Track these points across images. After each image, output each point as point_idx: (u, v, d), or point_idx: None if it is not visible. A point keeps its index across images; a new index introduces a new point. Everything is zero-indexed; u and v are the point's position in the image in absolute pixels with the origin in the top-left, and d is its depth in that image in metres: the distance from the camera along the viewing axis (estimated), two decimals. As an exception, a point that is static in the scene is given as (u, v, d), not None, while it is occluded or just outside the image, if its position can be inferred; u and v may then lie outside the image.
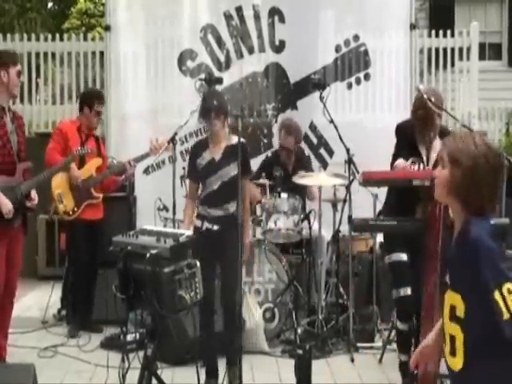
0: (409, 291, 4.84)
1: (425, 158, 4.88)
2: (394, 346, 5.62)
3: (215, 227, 5.04)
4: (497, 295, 2.43)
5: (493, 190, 2.66)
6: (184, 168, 6.63)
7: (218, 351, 5.20)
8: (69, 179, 6.37)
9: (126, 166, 6.45)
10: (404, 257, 4.87)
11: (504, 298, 2.43)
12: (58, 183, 6.37)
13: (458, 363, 2.56)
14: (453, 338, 2.63)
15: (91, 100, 6.58)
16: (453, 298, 2.61)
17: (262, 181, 6.41)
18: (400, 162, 4.88)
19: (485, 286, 2.45)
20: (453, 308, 2.63)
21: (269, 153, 7.45)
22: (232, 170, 5.02)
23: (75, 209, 6.38)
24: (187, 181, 5.53)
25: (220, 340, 5.12)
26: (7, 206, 5.12)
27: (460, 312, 2.59)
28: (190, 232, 4.45)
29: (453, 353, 2.59)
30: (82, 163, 6.45)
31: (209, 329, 5.12)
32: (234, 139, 5.08)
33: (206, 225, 5.07)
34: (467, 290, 2.54)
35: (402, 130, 5.02)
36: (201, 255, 4.96)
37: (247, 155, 5.17)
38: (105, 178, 6.54)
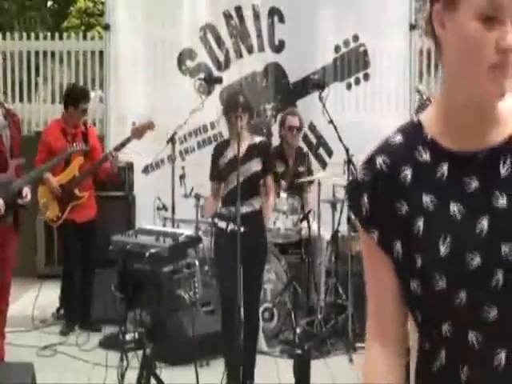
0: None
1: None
2: (393, 346, 5.63)
3: (241, 229, 4.71)
4: None
5: None
6: (183, 167, 6.64)
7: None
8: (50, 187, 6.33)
9: (109, 157, 6.31)
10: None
11: None
12: (42, 193, 6.35)
13: None
14: None
15: (76, 98, 6.43)
16: None
17: None
18: None
19: None
20: None
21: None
22: (253, 166, 5.00)
23: (59, 214, 6.35)
24: (209, 182, 5.24)
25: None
26: None
27: None
28: (189, 232, 4.44)
29: None
30: (66, 164, 6.39)
31: (232, 329, 5.04)
32: (257, 138, 5.13)
33: (232, 226, 4.89)
34: None
35: None
36: (225, 256, 4.94)
37: (270, 153, 5.27)
38: (88, 175, 6.44)
